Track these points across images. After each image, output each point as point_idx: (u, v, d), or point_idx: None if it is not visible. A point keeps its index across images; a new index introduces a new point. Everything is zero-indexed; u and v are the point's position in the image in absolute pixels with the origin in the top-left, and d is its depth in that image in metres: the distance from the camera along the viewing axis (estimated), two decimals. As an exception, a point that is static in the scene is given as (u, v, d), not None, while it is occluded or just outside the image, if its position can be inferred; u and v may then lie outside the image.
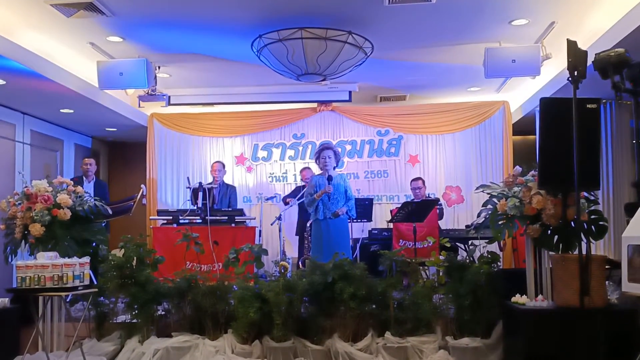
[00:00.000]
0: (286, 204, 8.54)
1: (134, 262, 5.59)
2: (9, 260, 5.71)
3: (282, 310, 5.14)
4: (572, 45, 3.72)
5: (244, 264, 5.68)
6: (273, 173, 10.00)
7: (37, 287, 4.83)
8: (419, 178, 8.63)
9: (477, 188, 5.51)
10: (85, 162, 8.56)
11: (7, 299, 5.25)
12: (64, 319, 5.55)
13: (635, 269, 3.43)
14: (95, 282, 5.57)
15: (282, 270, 5.44)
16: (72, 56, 7.18)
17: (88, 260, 5.16)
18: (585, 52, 3.73)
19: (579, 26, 6.39)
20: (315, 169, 8.86)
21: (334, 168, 6.91)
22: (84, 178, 8.41)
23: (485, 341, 5.06)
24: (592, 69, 3.58)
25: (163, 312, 5.59)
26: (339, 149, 8.27)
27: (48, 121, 9.11)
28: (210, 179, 8.34)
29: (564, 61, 3.80)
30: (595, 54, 3.57)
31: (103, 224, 6.55)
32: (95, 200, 5.93)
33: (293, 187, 9.44)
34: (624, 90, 3.44)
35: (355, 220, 7.71)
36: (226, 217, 7.28)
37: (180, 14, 6.11)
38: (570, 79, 3.70)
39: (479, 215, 5.42)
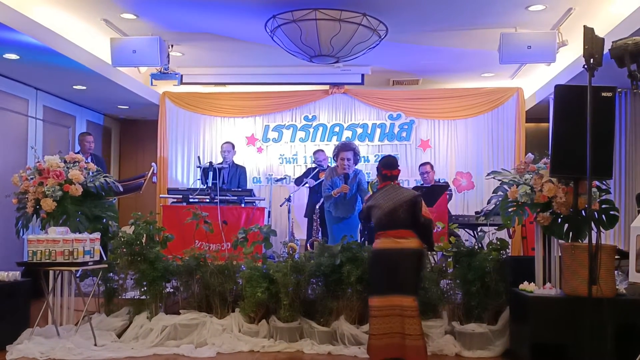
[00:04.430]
0: (302, 183, 8.45)
1: (144, 240, 5.64)
2: (21, 234, 5.78)
3: (289, 291, 5.18)
4: (588, 32, 3.66)
5: (253, 244, 5.71)
6: (283, 154, 9.99)
7: (47, 261, 4.90)
8: (427, 163, 8.59)
9: (488, 174, 5.51)
10: (87, 140, 8.53)
11: (19, 272, 5.32)
12: (73, 294, 5.63)
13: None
14: (105, 258, 5.63)
15: (291, 252, 5.46)
16: (86, 33, 7.18)
17: (98, 236, 5.22)
18: (602, 40, 3.68)
19: (596, 13, 6.31)
20: (328, 151, 8.85)
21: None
22: (81, 154, 8.39)
23: (492, 327, 5.07)
24: (609, 57, 3.53)
25: (171, 290, 5.65)
26: (357, 134, 8.06)
27: (61, 97, 9.14)
28: (221, 159, 8.35)
29: (580, 48, 3.75)
30: (612, 42, 3.52)
31: (113, 201, 6.59)
32: (106, 177, 5.96)
33: (303, 169, 9.44)
34: (640, 79, 3.40)
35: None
36: (236, 197, 7.31)
37: (195, -8, 6.09)
38: (585, 66, 3.66)
39: (489, 202, 5.41)
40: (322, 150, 8.90)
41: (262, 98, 9.97)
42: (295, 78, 9.14)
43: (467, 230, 7.88)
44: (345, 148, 6.80)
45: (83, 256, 4.96)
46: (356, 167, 6.93)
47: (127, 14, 6.69)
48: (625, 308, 4.27)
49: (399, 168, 5.04)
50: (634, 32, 5.55)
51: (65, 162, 5.79)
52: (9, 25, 5.84)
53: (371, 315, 4.57)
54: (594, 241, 3.82)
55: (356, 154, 6.82)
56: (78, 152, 8.18)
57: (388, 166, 4.93)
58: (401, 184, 9.47)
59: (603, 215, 4.74)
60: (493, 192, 5.22)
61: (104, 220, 5.95)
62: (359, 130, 9.85)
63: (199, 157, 8.54)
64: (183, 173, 10.09)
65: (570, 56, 7.31)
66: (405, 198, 4.72)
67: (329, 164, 8.33)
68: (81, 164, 5.84)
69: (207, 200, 7.23)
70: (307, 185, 8.19)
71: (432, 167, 8.50)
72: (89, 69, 7.49)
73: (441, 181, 9.14)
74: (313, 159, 9.01)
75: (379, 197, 4.83)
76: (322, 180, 7.09)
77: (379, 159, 5.31)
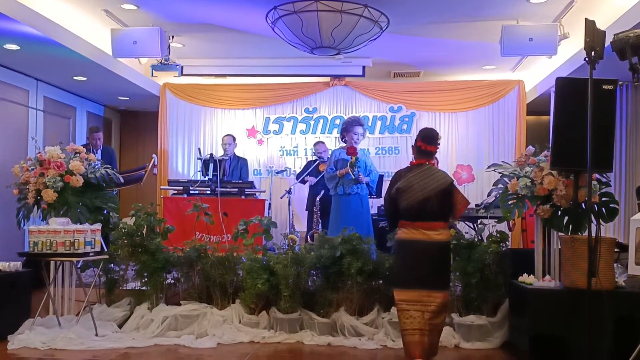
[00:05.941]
0: (304, 182, 8.45)
1: (145, 231, 5.65)
2: (22, 225, 5.79)
3: (289, 282, 5.19)
4: (590, 25, 3.66)
5: (253, 236, 5.72)
6: (284, 147, 9.98)
7: (49, 252, 4.91)
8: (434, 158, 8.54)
9: (488, 167, 5.50)
10: (94, 137, 8.51)
11: (20, 262, 5.33)
12: (74, 284, 5.64)
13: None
14: (106, 249, 5.65)
15: (291, 243, 5.47)
16: (87, 23, 7.17)
17: (99, 227, 5.23)
18: (604, 33, 3.67)
19: (598, 5, 6.29)
20: (329, 143, 8.85)
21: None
22: (92, 148, 8.39)
23: (491, 319, 5.09)
24: (610, 49, 3.53)
25: (172, 281, 5.66)
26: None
27: (61, 88, 9.14)
28: (221, 151, 8.35)
29: (582, 41, 3.75)
30: (614, 35, 3.52)
31: (114, 192, 6.59)
32: (107, 168, 5.97)
33: (304, 161, 9.44)
34: (641, 72, 3.39)
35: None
36: (236, 189, 7.31)
37: (195, -17, 6.08)
38: (587, 59, 3.65)
39: (489, 195, 5.40)
40: (323, 142, 8.89)
41: (262, 90, 9.95)
42: (296, 70, 9.14)
43: (467, 222, 7.88)
44: (358, 122, 6.66)
45: (84, 247, 4.97)
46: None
47: (127, 4, 6.68)
48: (624, 300, 4.27)
49: (438, 145, 4.52)
50: (636, 25, 5.53)
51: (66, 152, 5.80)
52: (9, 16, 5.83)
53: (399, 309, 4.28)
54: (593, 234, 3.83)
55: (365, 130, 6.82)
56: (86, 145, 8.15)
57: (426, 139, 4.39)
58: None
59: (603, 208, 4.75)
60: (493, 185, 5.22)
61: (105, 211, 5.96)
62: (360, 123, 9.82)
63: (199, 149, 8.54)
64: (184, 165, 10.09)
65: (571, 49, 7.29)
66: (441, 187, 4.27)
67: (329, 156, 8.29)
68: (82, 154, 5.85)
69: (208, 192, 7.25)
70: (311, 184, 8.16)
71: (437, 162, 8.45)
72: (89, 60, 7.48)
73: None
74: (313, 151, 9.01)
75: (412, 179, 4.30)
76: (322, 175, 6.99)
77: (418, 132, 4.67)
